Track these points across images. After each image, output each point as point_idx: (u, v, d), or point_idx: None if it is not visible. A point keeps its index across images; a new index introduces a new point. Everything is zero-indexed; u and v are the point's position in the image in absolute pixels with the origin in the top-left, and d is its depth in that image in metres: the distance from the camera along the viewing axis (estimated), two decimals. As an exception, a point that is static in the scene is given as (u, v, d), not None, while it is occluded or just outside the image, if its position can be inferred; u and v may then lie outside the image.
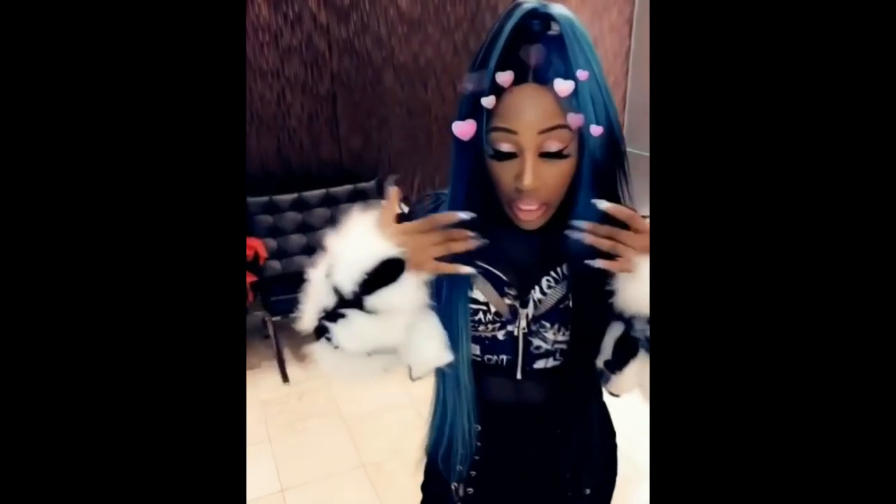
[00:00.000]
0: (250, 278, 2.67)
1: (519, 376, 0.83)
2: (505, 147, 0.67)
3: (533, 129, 0.65)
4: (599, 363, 0.80)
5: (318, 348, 0.72)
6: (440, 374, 0.83)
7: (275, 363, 2.85)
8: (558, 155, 0.67)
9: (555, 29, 0.66)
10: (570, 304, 0.78)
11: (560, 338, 0.80)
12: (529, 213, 0.71)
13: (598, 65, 0.68)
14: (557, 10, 0.67)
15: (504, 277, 0.79)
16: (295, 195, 3.00)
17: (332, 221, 3.46)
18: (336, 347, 0.70)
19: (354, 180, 3.14)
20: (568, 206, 0.73)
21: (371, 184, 3.13)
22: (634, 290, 0.71)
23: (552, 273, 0.79)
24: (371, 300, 0.67)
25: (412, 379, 0.81)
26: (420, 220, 0.69)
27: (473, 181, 0.74)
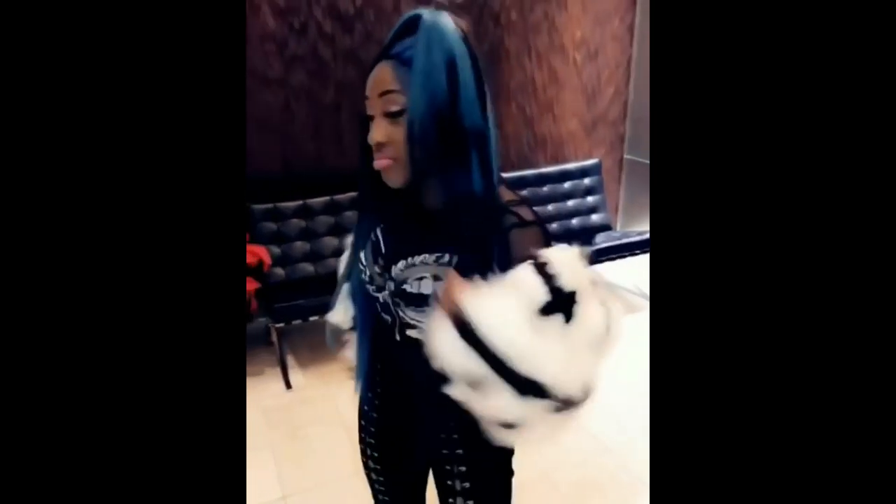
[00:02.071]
0: (254, 285, 2.68)
1: (397, 338, 0.94)
2: (368, 111, 0.85)
3: (375, 92, 0.83)
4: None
5: None
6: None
7: (278, 370, 2.86)
8: (398, 112, 0.81)
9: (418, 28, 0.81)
10: (409, 288, 0.87)
11: (413, 315, 0.89)
12: (380, 164, 0.84)
13: (446, 56, 0.81)
14: (429, 15, 0.83)
15: (382, 247, 0.94)
16: (299, 202, 3.01)
17: (336, 228, 3.47)
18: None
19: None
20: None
21: (374, 191, 3.14)
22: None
23: (409, 258, 0.88)
24: None
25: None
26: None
27: (363, 157, 0.89)
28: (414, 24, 0.83)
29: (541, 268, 0.73)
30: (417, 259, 0.87)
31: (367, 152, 0.88)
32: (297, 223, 3.00)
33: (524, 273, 0.73)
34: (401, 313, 0.91)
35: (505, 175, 3.53)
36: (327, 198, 3.06)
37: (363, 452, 1.14)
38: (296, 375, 2.86)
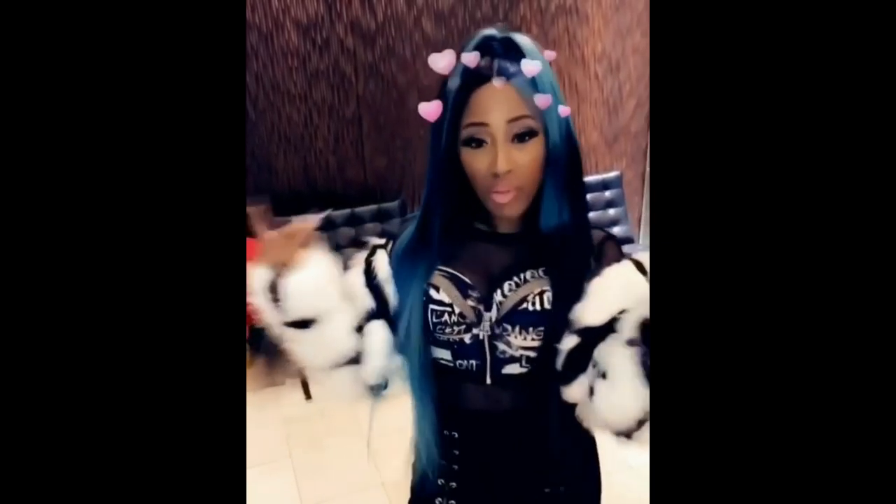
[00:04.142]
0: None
1: (489, 381, 0.85)
2: (478, 136, 0.76)
3: (502, 119, 0.74)
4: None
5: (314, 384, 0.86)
6: (410, 385, 0.88)
7: (298, 381, 2.88)
8: (527, 135, 0.75)
9: (511, 41, 0.78)
10: (530, 306, 0.81)
11: (523, 342, 0.82)
12: (505, 196, 0.77)
13: (548, 66, 0.78)
14: (518, 35, 0.79)
15: (467, 280, 0.84)
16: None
17: (357, 241, 3.52)
18: (309, 367, 0.84)
19: (378, 200, 3.18)
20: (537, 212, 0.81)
21: (394, 204, 3.17)
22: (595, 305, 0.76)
23: (514, 278, 0.82)
24: (289, 315, 0.80)
25: (374, 395, 0.89)
26: (279, 230, 0.81)
27: (447, 189, 0.82)
28: (509, 44, 0.77)
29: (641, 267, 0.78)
30: (526, 275, 0.82)
31: (450, 184, 0.81)
32: (318, 235, 3.03)
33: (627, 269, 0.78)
34: (502, 347, 0.82)
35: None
36: (348, 210, 3.09)
37: None
38: (316, 386, 2.88)
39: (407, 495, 1.09)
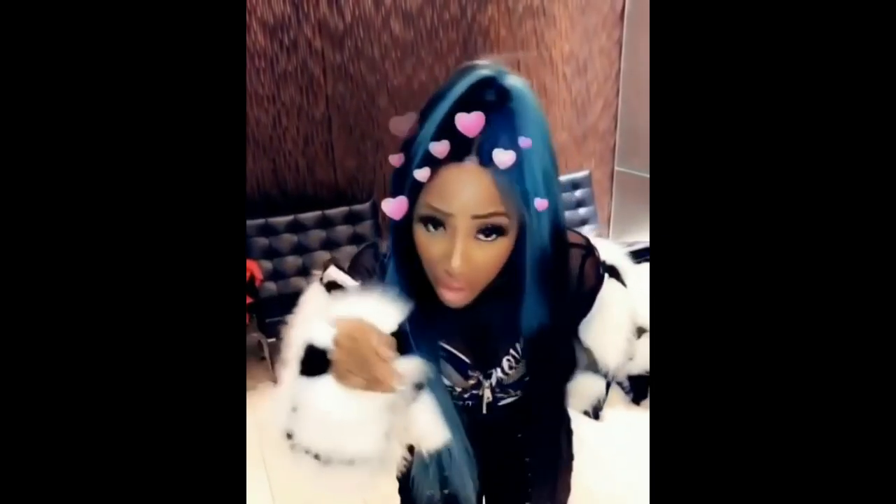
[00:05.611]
0: (247, 300, 2.67)
1: (484, 411, 0.87)
2: (437, 218, 0.63)
3: (467, 213, 0.61)
4: (578, 409, 0.86)
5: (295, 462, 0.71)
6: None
7: (271, 385, 2.84)
8: (493, 231, 0.63)
9: (509, 104, 0.61)
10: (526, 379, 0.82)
11: (515, 391, 0.85)
12: (454, 295, 0.67)
13: (548, 134, 0.64)
14: (512, 80, 0.62)
15: (466, 360, 0.82)
16: (290, 217, 3.01)
17: (328, 243, 3.46)
18: (301, 448, 0.68)
19: (349, 202, 3.17)
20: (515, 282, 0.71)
21: (366, 205, 3.15)
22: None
23: (512, 352, 0.81)
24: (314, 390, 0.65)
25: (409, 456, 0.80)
26: (357, 322, 0.61)
27: (412, 253, 0.69)
28: (501, 94, 0.60)
29: (617, 275, 0.78)
30: (520, 347, 0.80)
31: (410, 263, 0.70)
32: (288, 238, 3.00)
33: (611, 289, 0.77)
34: (500, 393, 0.85)
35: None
36: (318, 212, 3.06)
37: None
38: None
39: (383, 500, 1.10)
